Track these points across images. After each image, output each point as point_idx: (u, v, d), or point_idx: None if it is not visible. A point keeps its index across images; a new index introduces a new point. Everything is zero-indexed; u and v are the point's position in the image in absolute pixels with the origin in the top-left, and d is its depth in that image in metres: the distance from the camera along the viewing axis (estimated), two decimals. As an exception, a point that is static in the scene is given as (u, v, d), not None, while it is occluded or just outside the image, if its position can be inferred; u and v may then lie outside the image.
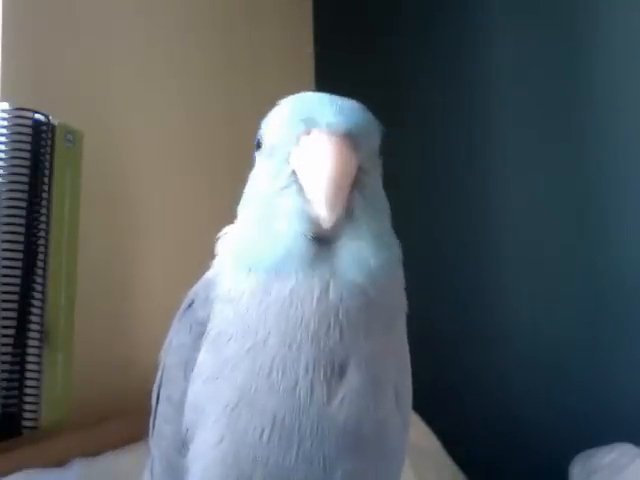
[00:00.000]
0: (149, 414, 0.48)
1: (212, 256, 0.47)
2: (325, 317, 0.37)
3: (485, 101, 1.40)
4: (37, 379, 0.76)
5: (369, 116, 0.41)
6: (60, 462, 0.76)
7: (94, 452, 0.79)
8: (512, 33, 1.38)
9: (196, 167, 1.21)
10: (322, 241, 0.37)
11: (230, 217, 0.46)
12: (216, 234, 0.47)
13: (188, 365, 0.41)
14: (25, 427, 0.75)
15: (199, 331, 0.41)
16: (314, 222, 0.37)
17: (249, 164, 0.46)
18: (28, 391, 0.76)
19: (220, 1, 1.32)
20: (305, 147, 0.37)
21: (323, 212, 0.36)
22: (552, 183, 1.33)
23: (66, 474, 0.74)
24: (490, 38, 1.40)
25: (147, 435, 0.48)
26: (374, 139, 0.41)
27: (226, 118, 1.30)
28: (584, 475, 1.07)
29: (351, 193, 0.38)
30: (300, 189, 0.37)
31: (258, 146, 0.42)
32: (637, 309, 1.22)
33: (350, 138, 0.37)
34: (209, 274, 0.45)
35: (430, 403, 1.25)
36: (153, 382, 0.49)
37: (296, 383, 0.37)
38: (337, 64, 1.56)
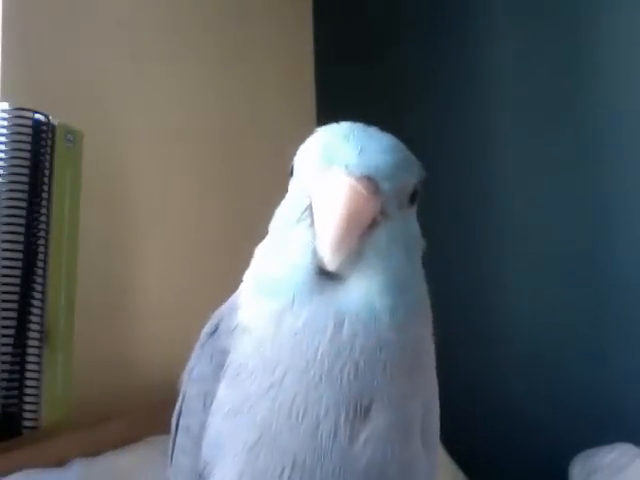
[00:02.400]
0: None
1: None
2: (339, 354, 0.37)
3: (486, 108, 1.40)
4: (37, 379, 0.76)
5: (399, 157, 0.40)
6: (60, 462, 0.76)
7: (94, 452, 0.79)
8: (515, 49, 1.38)
9: (195, 167, 1.21)
10: (332, 276, 0.37)
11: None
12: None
13: (207, 397, 0.41)
14: (25, 427, 0.75)
15: (220, 361, 0.41)
16: (321, 259, 0.37)
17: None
18: (28, 391, 0.76)
19: (220, 2, 1.32)
20: (323, 185, 0.37)
21: (327, 255, 0.36)
22: (552, 183, 1.32)
23: (66, 474, 0.74)
24: (493, 55, 1.40)
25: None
26: (405, 180, 0.40)
27: (225, 118, 1.30)
28: (584, 475, 1.07)
29: (365, 234, 0.37)
30: (312, 224, 0.37)
31: (291, 173, 0.42)
32: (638, 309, 1.22)
33: (370, 181, 0.36)
34: (235, 296, 0.45)
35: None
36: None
37: (318, 424, 0.36)
38: (338, 75, 1.56)
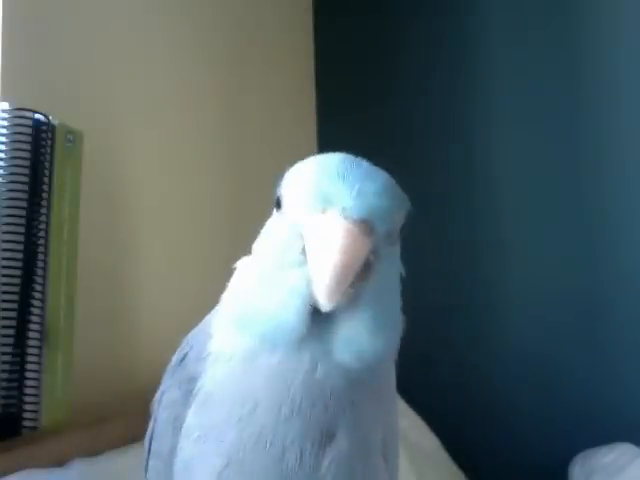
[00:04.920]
0: (148, 414, 0.48)
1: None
2: (311, 394, 0.38)
3: (484, 108, 1.40)
4: (37, 379, 0.76)
5: (393, 198, 0.39)
6: (60, 462, 0.76)
7: (94, 452, 0.79)
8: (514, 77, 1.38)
9: (195, 167, 1.21)
10: (320, 317, 0.37)
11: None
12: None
13: (177, 421, 0.42)
14: (25, 427, 0.75)
15: (188, 388, 0.42)
16: (314, 301, 0.36)
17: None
18: (28, 391, 0.76)
19: (221, 3, 1.32)
20: (318, 226, 0.36)
21: (322, 299, 0.35)
22: (553, 183, 1.33)
23: (66, 474, 0.74)
24: (491, 75, 1.40)
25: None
26: (396, 219, 0.40)
27: (226, 118, 1.30)
28: (584, 475, 1.07)
29: (358, 277, 0.37)
30: (306, 266, 0.37)
31: (277, 203, 0.41)
32: (638, 309, 1.22)
33: (365, 223, 0.36)
34: (207, 322, 0.45)
35: (430, 403, 1.25)
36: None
37: (284, 452, 0.38)
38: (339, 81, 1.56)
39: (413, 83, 1.47)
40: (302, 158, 0.44)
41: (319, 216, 0.36)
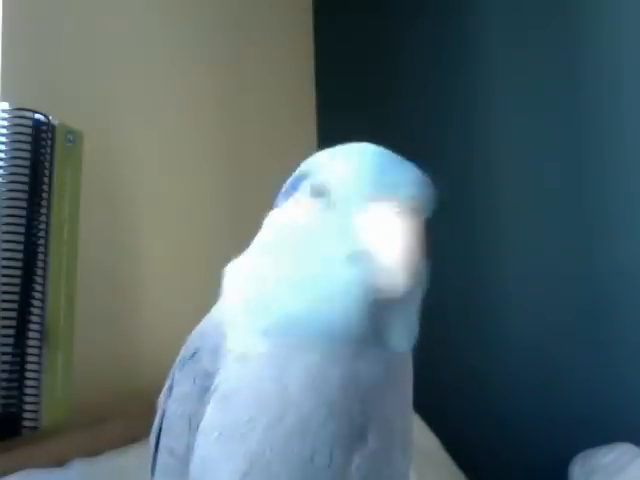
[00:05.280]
0: (149, 414, 0.47)
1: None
2: (349, 394, 0.37)
3: (484, 107, 1.40)
4: (37, 379, 0.76)
5: (431, 187, 0.40)
6: (60, 462, 0.76)
7: (94, 452, 0.79)
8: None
9: (195, 167, 1.21)
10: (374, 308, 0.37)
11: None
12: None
13: (193, 418, 0.40)
14: (25, 427, 0.75)
15: (204, 384, 0.40)
16: (375, 292, 0.36)
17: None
18: (28, 391, 0.76)
19: (221, 3, 1.32)
20: (380, 214, 0.36)
21: (400, 284, 0.35)
22: (554, 183, 1.33)
23: (66, 474, 0.74)
24: (493, 83, 1.40)
25: (147, 435, 0.48)
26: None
27: (226, 118, 1.30)
28: (584, 475, 1.07)
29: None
30: (368, 259, 0.36)
31: (316, 191, 0.39)
32: (638, 309, 1.22)
33: (421, 209, 0.38)
34: (214, 317, 0.43)
35: (430, 403, 1.25)
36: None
37: (313, 455, 0.37)
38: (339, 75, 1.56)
39: (413, 83, 1.47)
40: (302, 158, 0.44)
41: (378, 202, 0.36)
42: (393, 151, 0.42)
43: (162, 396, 0.45)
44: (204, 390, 0.40)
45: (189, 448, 0.40)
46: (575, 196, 1.30)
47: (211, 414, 0.40)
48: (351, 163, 0.39)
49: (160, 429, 0.44)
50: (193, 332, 0.44)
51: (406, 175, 0.38)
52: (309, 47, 1.59)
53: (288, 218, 0.41)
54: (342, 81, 1.56)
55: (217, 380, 0.40)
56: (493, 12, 1.40)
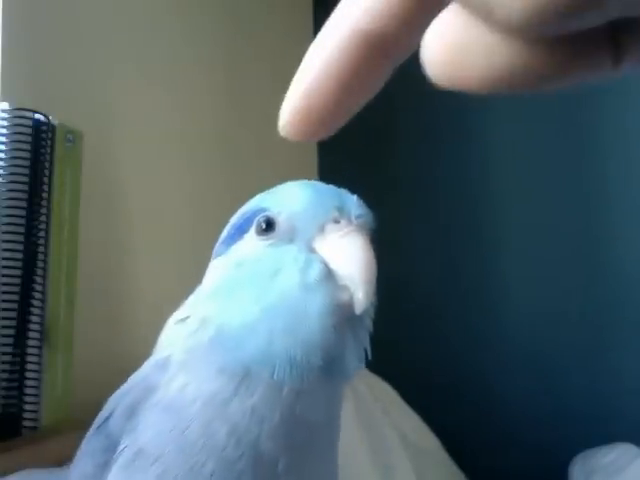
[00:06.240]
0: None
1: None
2: (279, 448, 0.35)
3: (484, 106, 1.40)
4: (37, 379, 0.77)
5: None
6: (60, 462, 0.76)
7: (94, 452, 0.79)
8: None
9: (195, 167, 1.21)
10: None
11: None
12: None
13: None
14: (25, 427, 0.75)
15: (104, 459, 0.37)
16: (339, 317, 0.36)
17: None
18: (28, 391, 0.76)
19: (222, 3, 1.32)
20: (334, 236, 0.37)
21: (363, 300, 0.35)
22: (554, 182, 1.33)
23: (66, 474, 0.74)
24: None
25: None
26: None
27: (226, 118, 1.30)
28: (584, 475, 1.07)
29: None
30: (327, 281, 0.36)
31: (267, 227, 0.39)
32: (638, 309, 1.22)
33: (369, 229, 0.38)
34: (147, 370, 0.40)
35: (430, 403, 1.25)
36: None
37: None
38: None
39: (413, 82, 1.47)
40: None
41: (331, 226, 0.37)
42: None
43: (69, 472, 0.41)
44: (104, 465, 0.37)
45: None
46: (575, 197, 1.30)
47: None
48: (296, 195, 0.39)
49: None
50: (117, 391, 0.41)
51: (349, 199, 0.39)
52: (309, 47, 1.59)
53: (237, 258, 0.40)
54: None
55: (124, 443, 0.37)
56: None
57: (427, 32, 0.18)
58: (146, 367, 0.40)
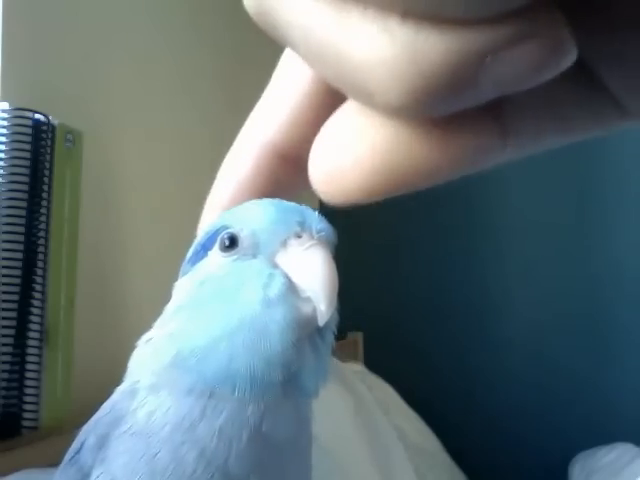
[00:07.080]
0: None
1: None
2: (247, 469, 0.34)
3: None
4: (37, 379, 0.76)
5: None
6: (60, 462, 0.76)
7: (94, 452, 0.79)
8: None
9: (196, 167, 1.21)
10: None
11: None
12: None
13: None
14: (25, 427, 0.75)
15: None
16: (300, 330, 0.35)
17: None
18: (28, 391, 0.76)
19: (222, 4, 1.32)
20: (296, 250, 0.37)
21: (325, 312, 0.34)
22: (554, 182, 1.33)
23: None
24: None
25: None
26: None
27: (227, 119, 1.30)
28: (584, 475, 1.07)
29: None
30: (295, 294, 0.35)
31: (230, 243, 0.38)
32: (637, 311, 1.22)
33: (330, 243, 0.38)
34: (116, 397, 0.40)
35: (431, 404, 1.26)
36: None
37: None
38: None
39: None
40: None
41: (293, 240, 0.37)
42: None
43: None
44: None
45: None
46: (574, 196, 1.30)
47: None
48: (258, 212, 0.39)
49: None
50: (88, 422, 0.40)
51: (310, 215, 0.38)
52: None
53: (201, 276, 0.40)
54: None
55: (96, 475, 0.36)
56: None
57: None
58: (115, 395, 0.40)
